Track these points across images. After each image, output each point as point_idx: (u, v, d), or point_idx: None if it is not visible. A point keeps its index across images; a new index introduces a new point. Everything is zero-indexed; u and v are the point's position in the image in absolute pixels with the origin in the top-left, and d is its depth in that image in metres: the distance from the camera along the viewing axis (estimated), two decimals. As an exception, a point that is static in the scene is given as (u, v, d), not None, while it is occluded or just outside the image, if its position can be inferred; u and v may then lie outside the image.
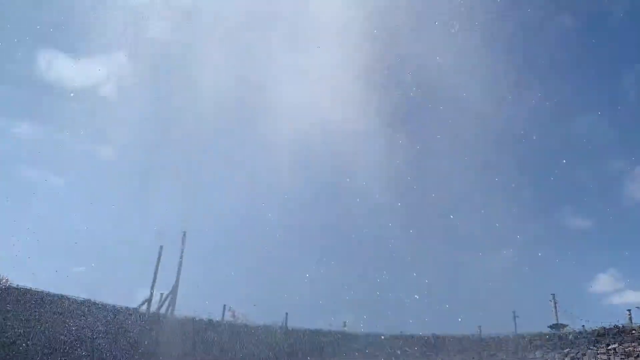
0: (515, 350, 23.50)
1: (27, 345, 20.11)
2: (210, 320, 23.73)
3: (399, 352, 24.91)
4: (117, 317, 22.30)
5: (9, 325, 20.25)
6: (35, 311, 21.38)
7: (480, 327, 24.77)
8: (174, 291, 24.10)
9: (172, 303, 23.94)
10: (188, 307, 23.81)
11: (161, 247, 24.83)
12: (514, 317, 26.68)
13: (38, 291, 22.13)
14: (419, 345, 25.37)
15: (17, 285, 22.04)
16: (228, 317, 24.64)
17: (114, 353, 21.22)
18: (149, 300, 23.65)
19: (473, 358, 24.03)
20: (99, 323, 21.66)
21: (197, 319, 23.59)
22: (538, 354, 22.89)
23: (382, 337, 25.26)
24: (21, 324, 20.71)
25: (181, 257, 24.81)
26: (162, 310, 23.73)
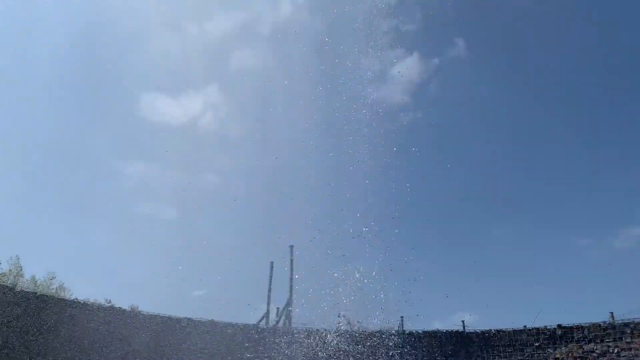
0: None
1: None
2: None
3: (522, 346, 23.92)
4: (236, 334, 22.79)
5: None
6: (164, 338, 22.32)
7: (612, 313, 23.13)
8: (288, 304, 24.31)
9: (288, 316, 24.16)
10: (304, 318, 23.88)
11: (272, 262, 25.15)
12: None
13: (164, 316, 23.11)
14: (544, 338, 24.15)
15: (147, 311, 23.13)
16: (343, 324, 24.49)
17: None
18: (266, 316, 24.00)
19: (609, 346, 22.48)
20: (223, 340, 22.23)
21: (312, 329, 23.62)
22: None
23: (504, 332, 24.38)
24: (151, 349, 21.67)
25: (291, 270, 25.00)
26: (280, 324, 23.98)
